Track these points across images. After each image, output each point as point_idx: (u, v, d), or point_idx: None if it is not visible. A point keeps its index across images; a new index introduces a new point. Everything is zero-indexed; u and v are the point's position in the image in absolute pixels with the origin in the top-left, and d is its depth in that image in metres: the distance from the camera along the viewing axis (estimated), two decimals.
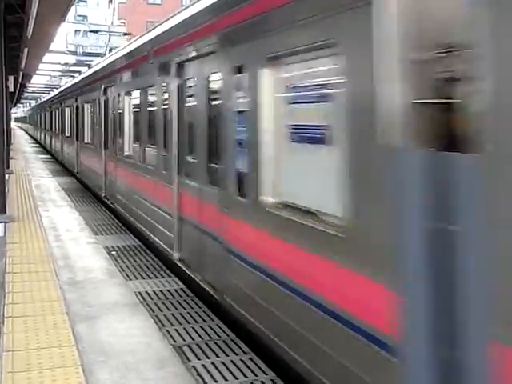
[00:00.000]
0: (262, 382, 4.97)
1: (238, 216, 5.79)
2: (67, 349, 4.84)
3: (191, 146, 7.44)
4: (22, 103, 79.95)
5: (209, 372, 5.12)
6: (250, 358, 5.41)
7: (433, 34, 3.19)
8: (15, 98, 41.87)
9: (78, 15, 58.95)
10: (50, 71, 35.71)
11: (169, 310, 6.79)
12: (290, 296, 4.68)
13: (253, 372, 5.14)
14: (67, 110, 23.96)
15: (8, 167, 17.49)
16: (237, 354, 5.52)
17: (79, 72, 27.79)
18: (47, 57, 25.75)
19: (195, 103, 7.28)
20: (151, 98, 9.49)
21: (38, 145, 45.60)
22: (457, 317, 3.00)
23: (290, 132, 4.98)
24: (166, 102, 8.42)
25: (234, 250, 5.89)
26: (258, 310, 5.35)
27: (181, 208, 7.78)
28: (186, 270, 7.53)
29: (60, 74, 36.16)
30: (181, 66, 7.73)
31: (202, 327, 6.22)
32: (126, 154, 11.75)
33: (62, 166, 25.38)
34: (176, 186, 7.87)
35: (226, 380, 4.99)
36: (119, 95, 12.34)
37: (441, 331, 3.11)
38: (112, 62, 13.82)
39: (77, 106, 19.75)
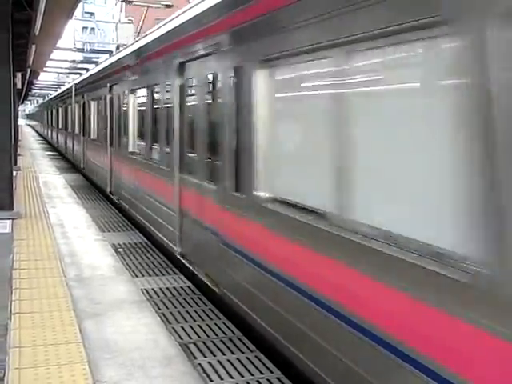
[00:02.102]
0: (267, 380, 4.96)
1: (116, 156, 13.86)
2: (74, 345, 4.85)
3: (116, 130, 13.92)
4: (30, 100, 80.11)
5: (215, 370, 5.12)
6: (256, 356, 5.41)
7: None
8: (23, 94, 41.97)
9: (86, 12, 58.96)
10: (58, 68, 35.75)
11: (175, 307, 6.79)
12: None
13: (259, 370, 5.14)
14: (54, 110, 36.84)
15: (16, 164, 17.54)
16: (243, 352, 5.52)
17: (86, 69, 27.86)
18: (55, 54, 25.79)
19: (116, 108, 13.84)
20: (101, 103, 16.20)
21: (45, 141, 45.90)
22: None
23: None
24: (107, 106, 15.01)
25: (115, 171, 14.00)
26: (130, 203, 11.92)
27: (111, 163, 14.60)
28: (112, 196, 14.38)
29: (67, 71, 36.21)
30: (111, 87, 14.46)
31: (208, 325, 6.22)
32: (92, 137, 18.77)
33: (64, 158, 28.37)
34: (109, 150, 14.70)
35: (232, 378, 4.99)
36: (88, 100, 19.54)
37: None
38: (80, 80, 23.63)
39: (66, 107, 28.50)
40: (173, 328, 6.08)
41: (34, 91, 53.82)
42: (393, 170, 3.67)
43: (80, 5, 18.44)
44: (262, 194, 5.31)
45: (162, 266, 8.57)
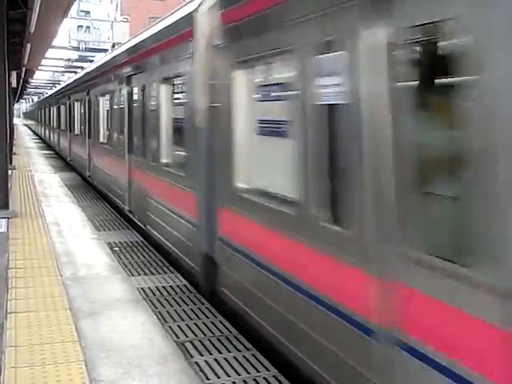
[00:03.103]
0: (264, 378, 4.97)
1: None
2: (70, 344, 4.85)
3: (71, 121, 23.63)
4: (25, 99, 79.87)
5: (211, 368, 5.12)
6: (253, 355, 5.41)
7: None
8: (18, 93, 41.86)
9: (81, 11, 58.79)
10: (53, 67, 35.69)
11: (171, 306, 6.79)
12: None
13: (255, 368, 5.14)
14: (46, 108, 41.27)
15: (11, 163, 17.49)
16: (239, 351, 5.52)
17: (81, 67, 27.81)
18: (50, 52, 25.71)
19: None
20: (74, 107, 22.51)
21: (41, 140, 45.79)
22: None
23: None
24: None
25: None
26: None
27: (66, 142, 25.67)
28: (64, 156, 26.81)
29: (63, 69, 36.15)
30: (70, 98, 22.80)
31: (204, 323, 6.22)
32: (62, 128, 28.25)
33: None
34: (67, 135, 25.11)
35: (229, 376, 4.99)
36: (64, 104, 26.49)
37: None
38: (56, 91, 33.55)
39: (58, 107, 33.28)
40: (169, 327, 6.08)
41: (29, 90, 53.68)
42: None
43: (75, 3, 18.43)
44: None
45: (157, 265, 8.56)
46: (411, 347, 3.25)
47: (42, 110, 44.48)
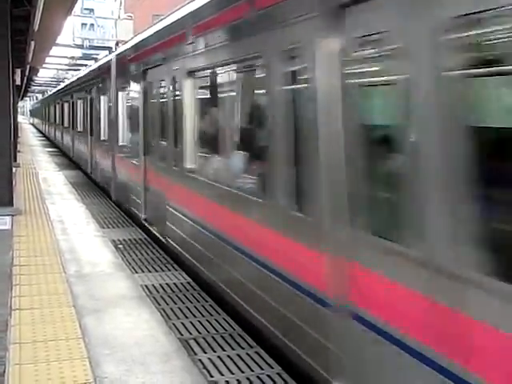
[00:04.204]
0: (268, 375, 4.96)
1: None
2: (74, 341, 4.86)
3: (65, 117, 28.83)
4: (29, 97, 79.81)
5: (215, 366, 5.13)
6: (256, 352, 5.41)
7: None
8: (22, 91, 41.90)
9: (85, 8, 58.98)
10: (57, 65, 35.67)
11: (175, 303, 6.80)
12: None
13: (259, 366, 5.14)
14: (46, 106, 46.21)
15: (15, 160, 17.52)
16: (243, 348, 5.52)
17: (86, 65, 27.82)
18: (54, 50, 25.70)
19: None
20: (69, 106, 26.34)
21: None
22: None
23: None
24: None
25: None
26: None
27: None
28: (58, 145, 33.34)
29: (67, 67, 36.14)
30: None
31: (208, 321, 6.22)
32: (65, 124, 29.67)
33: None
34: (59, 129, 33.35)
35: (233, 374, 5.00)
36: (58, 103, 30.56)
37: None
38: (53, 92, 38.91)
39: (56, 104, 36.94)
40: (173, 324, 6.08)
41: (33, 87, 53.70)
42: None
43: (79, 1, 18.40)
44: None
45: (161, 262, 8.57)
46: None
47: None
